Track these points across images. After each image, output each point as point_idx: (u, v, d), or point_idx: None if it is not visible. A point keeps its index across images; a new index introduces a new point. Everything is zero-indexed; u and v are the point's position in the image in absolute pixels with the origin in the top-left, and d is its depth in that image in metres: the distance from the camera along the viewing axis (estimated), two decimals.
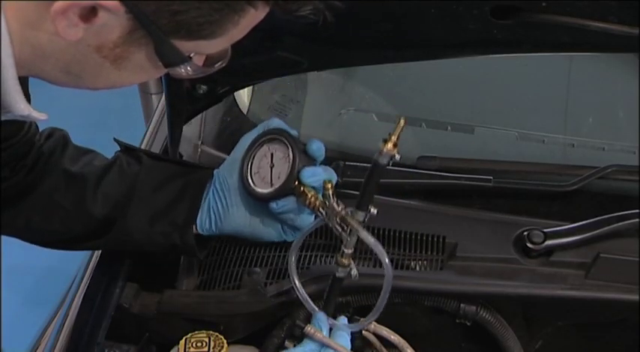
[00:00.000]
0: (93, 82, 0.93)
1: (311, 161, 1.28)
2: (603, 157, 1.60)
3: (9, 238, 1.31)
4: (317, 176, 1.24)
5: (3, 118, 0.93)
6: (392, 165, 1.47)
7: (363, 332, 1.28)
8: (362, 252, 1.32)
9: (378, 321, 1.25)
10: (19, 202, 1.28)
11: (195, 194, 1.31)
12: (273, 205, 1.26)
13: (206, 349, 1.23)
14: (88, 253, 1.47)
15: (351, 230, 1.18)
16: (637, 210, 1.37)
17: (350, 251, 1.20)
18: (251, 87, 1.68)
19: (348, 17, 1.18)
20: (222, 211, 1.30)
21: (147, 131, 1.78)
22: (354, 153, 1.55)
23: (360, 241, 1.19)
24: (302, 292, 1.24)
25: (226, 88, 1.43)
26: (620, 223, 1.37)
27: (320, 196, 1.23)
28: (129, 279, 1.36)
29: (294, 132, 1.30)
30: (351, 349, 1.22)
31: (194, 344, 1.24)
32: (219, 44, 0.89)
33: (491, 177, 1.47)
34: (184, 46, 0.86)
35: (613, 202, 1.44)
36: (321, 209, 1.23)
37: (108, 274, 1.36)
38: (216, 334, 1.26)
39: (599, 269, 1.34)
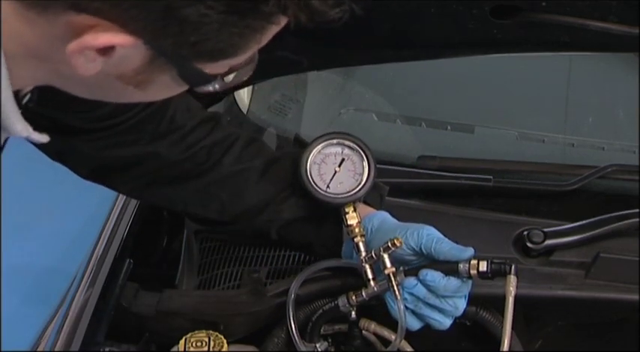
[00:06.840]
0: (116, 99, 0.93)
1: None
2: (603, 157, 1.60)
3: (9, 238, 1.31)
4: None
5: (3, 137, 0.93)
6: (392, 165, 1.49)
7: (363, 332, 1.28)
8: None
9: (378, 320, 1.26)
10: (177, 187, 1.30)
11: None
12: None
13: (206, 349, 1.23)
14: (87, 253, 1.47)
15: (382, 286, 1.18)
16: (637, 210, 1.37)
17: (366, 299, 1.21)
18: (251, 86, 1.68)
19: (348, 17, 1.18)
20: None
21: None
22: None
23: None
24: (298, 340, 1.23)
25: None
26: (620, 223, 1.37)
27: (360, 230, 1.22)
28: (129, 279, 1.36)
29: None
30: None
31: (194, 344, 1.23)
32: (244, 57, 0.88)
33: (492, 177, 1.47)
34: (208, 66, 0.85)
35: (613, 202, 1.44)
36: (361, 244, 1.21)
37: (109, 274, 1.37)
38: (216, 334, 1.25)
39: (599, 269, 1.34)
